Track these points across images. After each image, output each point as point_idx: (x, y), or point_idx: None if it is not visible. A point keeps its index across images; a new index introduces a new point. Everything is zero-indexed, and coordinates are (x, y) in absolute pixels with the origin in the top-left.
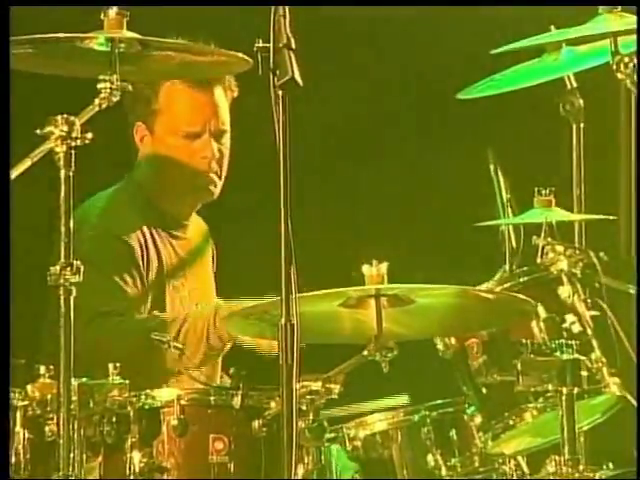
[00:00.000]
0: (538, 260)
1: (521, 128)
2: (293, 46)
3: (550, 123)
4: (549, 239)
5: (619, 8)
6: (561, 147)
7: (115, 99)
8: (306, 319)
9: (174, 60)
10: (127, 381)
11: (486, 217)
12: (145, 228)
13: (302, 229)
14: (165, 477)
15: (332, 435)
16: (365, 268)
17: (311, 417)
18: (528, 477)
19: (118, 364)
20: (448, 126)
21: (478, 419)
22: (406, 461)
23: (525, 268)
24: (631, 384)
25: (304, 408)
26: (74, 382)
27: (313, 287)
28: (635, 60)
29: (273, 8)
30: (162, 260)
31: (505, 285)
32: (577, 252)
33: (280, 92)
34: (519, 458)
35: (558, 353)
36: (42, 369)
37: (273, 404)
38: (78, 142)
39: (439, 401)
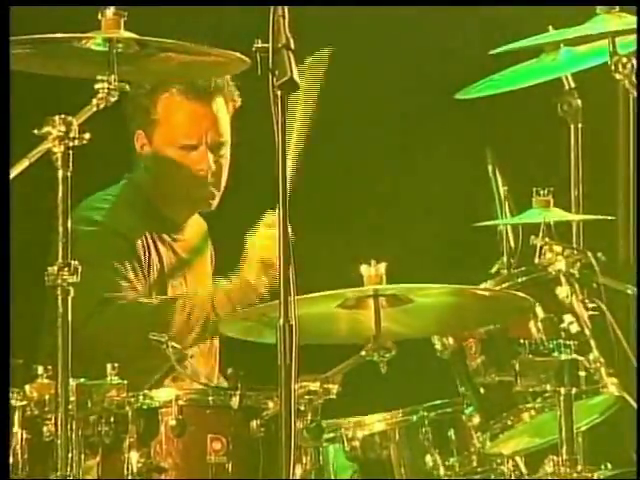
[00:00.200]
0: (536, 260)
1: (519, 128)
2: (292, 46)
3: (548, 123)
4: (547, 239)
5: (617, 8)
6: (559, 147)
7: (113, 99)
8: (304, 320)
9: (172, 60)
10: (125, 381)
11: (484, 217)
12: (146, 230)
13: (300, 229)
14: (163, 477)
15: (330, 435)
16: (363, 268)
17: (309, 417)
18: (526, 477)
19: (116, 364)
20: (447, 126)
21: (476, 419)
22: (404, 461)
23: (523, 268)
24: (629, 384)
25: (302, 408)
26: (72, 382)
27: (312, 287)
28: (633, 60)
29: (272, 8)
30: (163, 262)
31: (503, 285)
32: (575, 252)
33: (279, 92)
34: (517, 458)
35: (556, 353)
36: (40, 369)
37: (271, 404)
38: (76, 142)
39: (437, 401)
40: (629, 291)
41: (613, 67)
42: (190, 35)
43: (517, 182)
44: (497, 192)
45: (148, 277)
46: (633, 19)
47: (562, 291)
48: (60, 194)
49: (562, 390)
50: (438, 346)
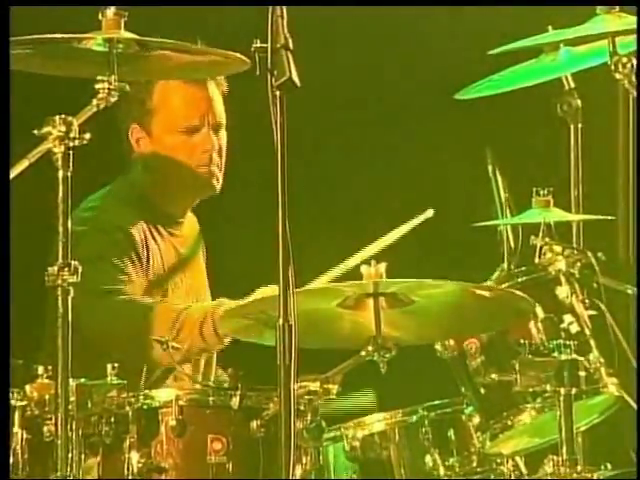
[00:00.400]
0: (536, 260)
1: (519, 128)
2: (291, 46)
3: (548, 123)
4: (547, 239)
5: (617, 8)
6: (559, 147)
7: (113, 99)
8: (304, 320)
9: (172, 60)
10: (125, 381)
11: (484, 217)
12: (144, 224)
13: (300, 229)
14: (163, 477)
15: (330, 435)
16: (363, 268)
17: (309, 417)
18: (526, 477)
19: (119, 362)
20: (446, 126)
21: (476, 419)
22: (404, 461)
23: (523, 268)
24: (629, 384)
25: (302, 408)
26: (72, 382)
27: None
28: (633, 60)
29: (271, 8)
30: (162, 255)
31: (503, 285)
32: (575, 252)
33: (278, 92)
34: (517, 458)
35: (556, 353)
36: (40, 369)
37: (271, 404)
38: (76, 142)
39: (437, 401)
40: (629, 291)
41: (613, 67)
42: (190, 35)
43: (517, 182)
44: (497, 192)
45: (148, 271)
46: (633, 19)
47: (562, 291)
48: (60, 194)
49: (562, 390)
50: (438, 346)
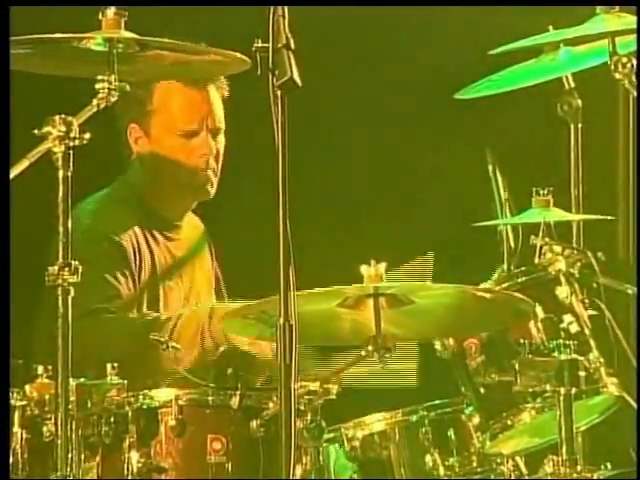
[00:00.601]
0: (536, 260)
1: (519, 128)
2: (292, 46)
3: (548, 123)
4: (547, 239)
5: (617, 8)
6: (559, 147)
7: (113, 99)
8: (304, 320)
9: (172, 60)
10: (125, 381)
11: (484, 217)
12: (138, 229)
13: (300, 229)
14: (163, 477)
15: (330, 435)
16: (363, 268)
17: (309, 417)
18: (526, 477)
19: (116, 364)
20: (446, 126)
21: (476, 419)
22: (404, 461)
23: (523, 268)
24: (629, 384)
25: (302, 408)
26: (72, 382)
27: (312, 287)
28: (633, 60)
29: (272, 8)
30: (155, 261)
31: (503, 285)
32: (575, 252)
33: (279, 92)
34: (517, 458)
35: (556, 353)
36: (40, 369)
37: (271, 404)
38: (76, 142)
39: (437, 401)
40: (629, 291)
41: (613, 67)
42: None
43: (517, 182)
44: (497, 192)
45: (139, 279)
46: (633, 19)
47: (562, 291)
48: (60, 194)
49: (562, 390)
50: (438, 346)
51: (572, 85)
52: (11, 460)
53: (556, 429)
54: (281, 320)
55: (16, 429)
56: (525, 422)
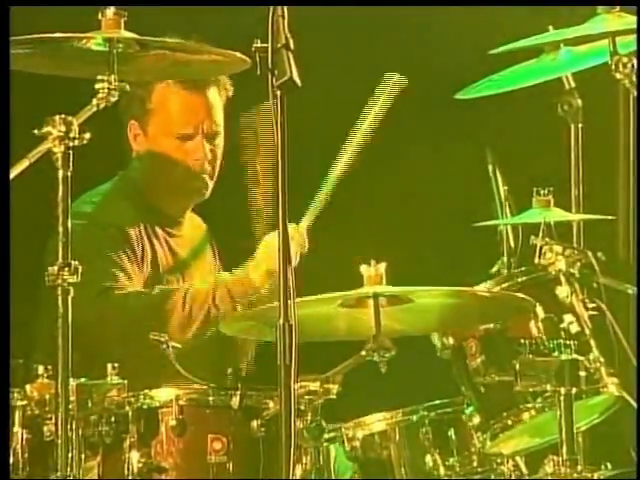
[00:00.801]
0: (536, 260)
1: (519, 128)
2: (291, 46)
3: (548, 123)
4: (547, 239)
5: (617, 8)
6: (559, 147)
7: (113, 99)
8: (304, 319)
9: (172, 60)
10: (125, 381)
11: (484, 217)
12: (141, 224)
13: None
14: (163, 477)
15: (330, 435)
16: (363, 268)
17: (309, 417)
18: (526, 477)
19: (116, 364)
20: (446, 126)
21: (476, 419)
22: (404, 461)
23: (523, 268)
24: (629, 384)
25: (302, 408)
26: (72, 382)
27: (312, 287)
28: (634, 60)
29: (272, 8)
30: (157, 257)
31: (503, 285)
32: (575, 252)
33: (279, 92)
34: (517, 458)
35: (556, 353)
36: (40, 369)
37: (271, 404)
38: (76, 142)
39: (437, 401)
40: (629, 291)
41: (613, 67)
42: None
43: (517, 182)
44: (497, 192)
45: (142, 269)
46: (633, 19)
47: (562, 291)
48: (60, 194)
49: (562, 390)
50: (438, 346)
51: (572, 85)
52: (11, 460)
53: (556, 429)
54: (281, 320)
55: (16, 429)
56: (525, 422)
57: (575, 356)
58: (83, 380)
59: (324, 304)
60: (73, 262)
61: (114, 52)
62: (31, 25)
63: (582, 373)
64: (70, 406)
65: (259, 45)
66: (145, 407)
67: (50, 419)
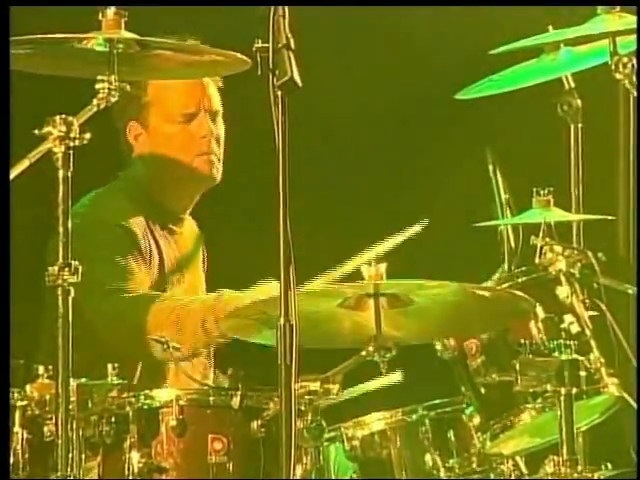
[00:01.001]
0: (536, 260)
1: (519, 128)
2: (292, 46)
3: (548, 123)
4: (547, 239)
5: (617, 8)
6: (559, 147)
7: (113, 99)
8: (305, 320)
9: (172, 60)
10: (126, 381)
11: (485, 217)
12: (144, 222)
13: (300, 229)
14: (164, 477)
15: (331, 435)
16: (363, 268)
17: (310, 417)
18: (526, 477)
19: (117, 364)
20: (447, 126)
21: (476, 419)
22: (404, 461)
23: (524, 268)
24: (629, 384)
25: (303, 408)
26: (73, 382)
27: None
28: (634, 60)
29: (272, 8)
30: (162, 254)
31: (504, 285)
32: (575, 252)
33: (279, 92)
34: (517, 458)
35: (557, 353)
36: (41, 369)
37: (272, 404)
38: (76, 142)
39: (437, 401)
40: (629, 291)
41: (613, 67)
42: (190, 35)
43: (517, 182)
44: (497, 192)
45: (149, 267)
46: (633, 19)
47: (562, 291)
48: (60, 194)
49: (562, 390)
50: (438, 346)
51: (572, 85)
52: (12, 460)
53: (557, 429)
54: (281, 320)
55: (17, 429)
56: (526, 422)
57: (575, 356)
58: (83, 380)
59: (324, 299)
60: (73, 262)
61: (114, 52)
62: (31, 25)
63: (582, 373)
64: (70, 406)
65: (260, 45)
66: (145, 407)
67: (50, 419)
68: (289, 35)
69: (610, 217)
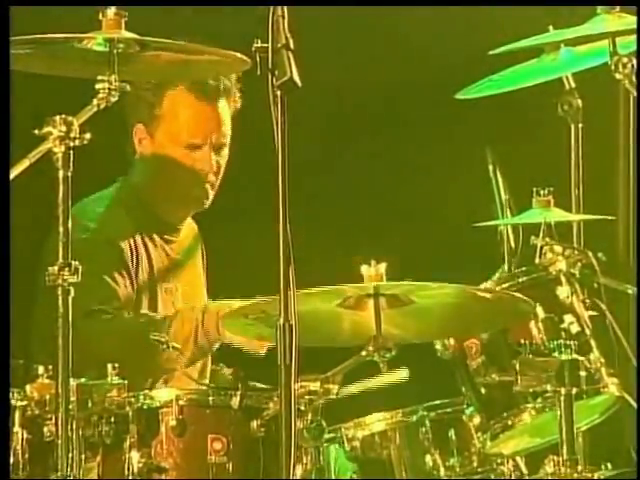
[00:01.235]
0: (537, 260)
1: (520, 128)
2: (292, 46)
3: (548, 123)
4: (548, 239)
5: (617, 8)
6: (560, 147)
7: (113, 99)
8: (304, 320)
9: (173, 60)
10: (125, 381)
11: (485, 217)
12: (137, 233)
13: (300, 229)
14: (164, 477)
15: (331, 435)
16: (364, 268)
17: (310, 417)
18: (526, 477)
19: (117, 364)
20: (447, 126)
21: (477, 419)
22: (404, 461)
23: (524, 268)
24: (629, 384)
25: (303, 408)
26: (73, 382)
27: (311, 287)
28: (634, 60)
29: (272, 8)
30: (152, 263)
31: (504, 285)
32: (576, 252)
33: (279, 92)
34: (518, 458)
35: (557, 353)
36: (41, 369)
37: (272, 404)
38: (76, 142)
39: (438, 401)
40: (629, 291)
41: (613, 67)
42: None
43: (518, 182)
44: (497, 192)
45: (137, 281)
46: (633, 19)
47: (563, 291)
48: (60, 194)
49: (562, 390)
50: (438, 346)
51: (572, 85)
52: (11, 460)
53: (557, 429)
54: (281, 320)
55: (17, 429)
56: (526, 422)
57: (575, 356)
58: (83, 380)
59: (324, 300)
60: (73, 262)
61: (115, 52)
62: (31, 25)
63: (582, 373)
64: (70, 406)
65: (259, 45)
66: (145, 407)
67: (50, 419)
68: (288, 35)
69: (610, 217)
